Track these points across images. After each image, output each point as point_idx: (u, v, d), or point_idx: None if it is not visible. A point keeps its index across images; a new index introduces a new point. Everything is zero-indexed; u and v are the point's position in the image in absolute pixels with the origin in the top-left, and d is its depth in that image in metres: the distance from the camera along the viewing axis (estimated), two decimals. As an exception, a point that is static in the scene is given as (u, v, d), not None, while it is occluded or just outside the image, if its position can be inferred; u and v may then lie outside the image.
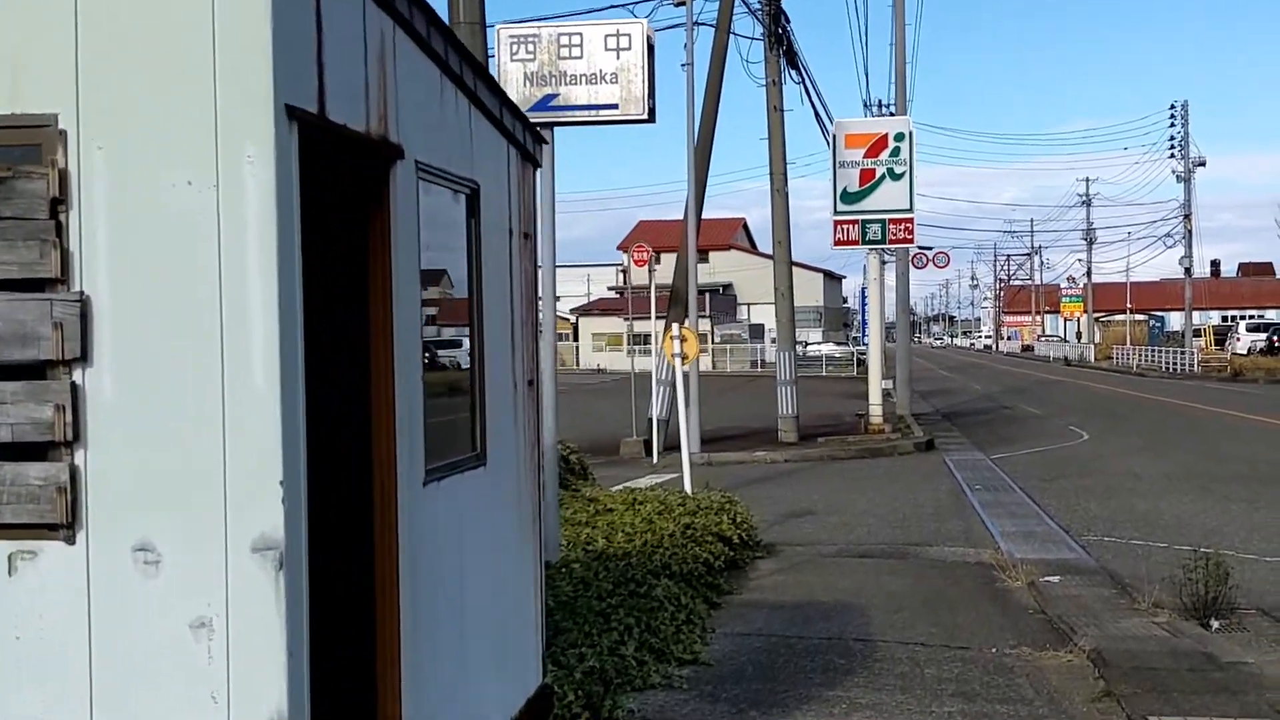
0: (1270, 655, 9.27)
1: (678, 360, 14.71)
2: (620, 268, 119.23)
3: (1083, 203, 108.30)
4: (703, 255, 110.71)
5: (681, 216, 28.39)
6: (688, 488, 14.71)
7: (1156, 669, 8.37)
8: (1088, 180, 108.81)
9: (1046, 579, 12.05)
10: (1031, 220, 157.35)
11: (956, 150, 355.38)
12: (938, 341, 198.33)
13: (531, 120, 7.13)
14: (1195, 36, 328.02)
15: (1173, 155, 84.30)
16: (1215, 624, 10.13)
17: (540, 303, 7.39)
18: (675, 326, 14.66)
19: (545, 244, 25.48)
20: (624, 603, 8.57)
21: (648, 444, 25.92)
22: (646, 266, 26.25)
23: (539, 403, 6.82)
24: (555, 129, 12.10)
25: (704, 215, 28.60)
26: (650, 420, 26.92)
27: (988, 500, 18.32)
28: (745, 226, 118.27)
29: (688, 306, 26.50)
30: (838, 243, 30.59)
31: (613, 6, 26.62)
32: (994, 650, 9.10)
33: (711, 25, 28.09)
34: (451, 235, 5.69)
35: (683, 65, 25.88)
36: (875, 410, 30.59)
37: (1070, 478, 21.03)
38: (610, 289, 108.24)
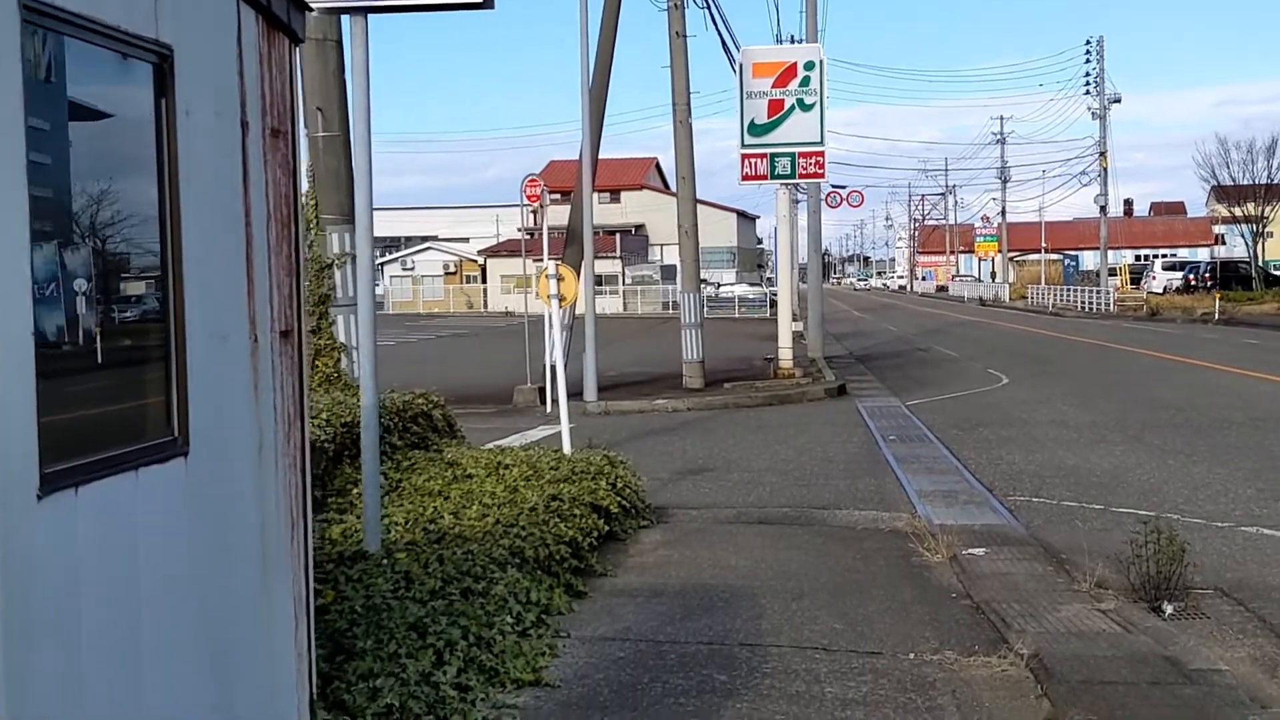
0: (1239, 651, 7.75)
1: (553, 302, 12.97)
2: (530, 208, 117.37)
3: (997, 141, 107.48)
4: (614, 195, 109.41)
5: (599, 156, 26.76)
6: (566, 447, 13.01)
7: (1112, 683, 6.75)
8: (1002, 119, 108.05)
9: (970, 551, 10.45)
10: (946, 159, 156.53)
11: (870, 88, 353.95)
12: (860, 282, 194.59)
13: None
14: None
15: (1088, 92, 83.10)
16: (1169, 608, 8.61)
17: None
18: (551, 264, 12.93)
19: (586, 191, 23.79)
20: (451, 606, 6.86)
21: (542, 392, 24.22)
22: (538, 203, 24.41)
23: (300, 360, 5.06)
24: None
25: (615, 155, 27.40)
26: (545, 367, 25.20)
27: (903, 454, 16.75)
28: (658, 166, 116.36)
29: (583, 246, 24.79)
30: (745, 177, 28.87)
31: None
32: (911, 656, 7.45)
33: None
34: (128, 128, 3.92)
35: (576, -15, 24.05)
36: (785, 354, 29.04)
37: (991, 426, 19.53)
38: (519, 230, 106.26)
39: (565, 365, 25.49)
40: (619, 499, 11.12)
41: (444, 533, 8.68)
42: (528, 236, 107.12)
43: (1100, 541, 10.81)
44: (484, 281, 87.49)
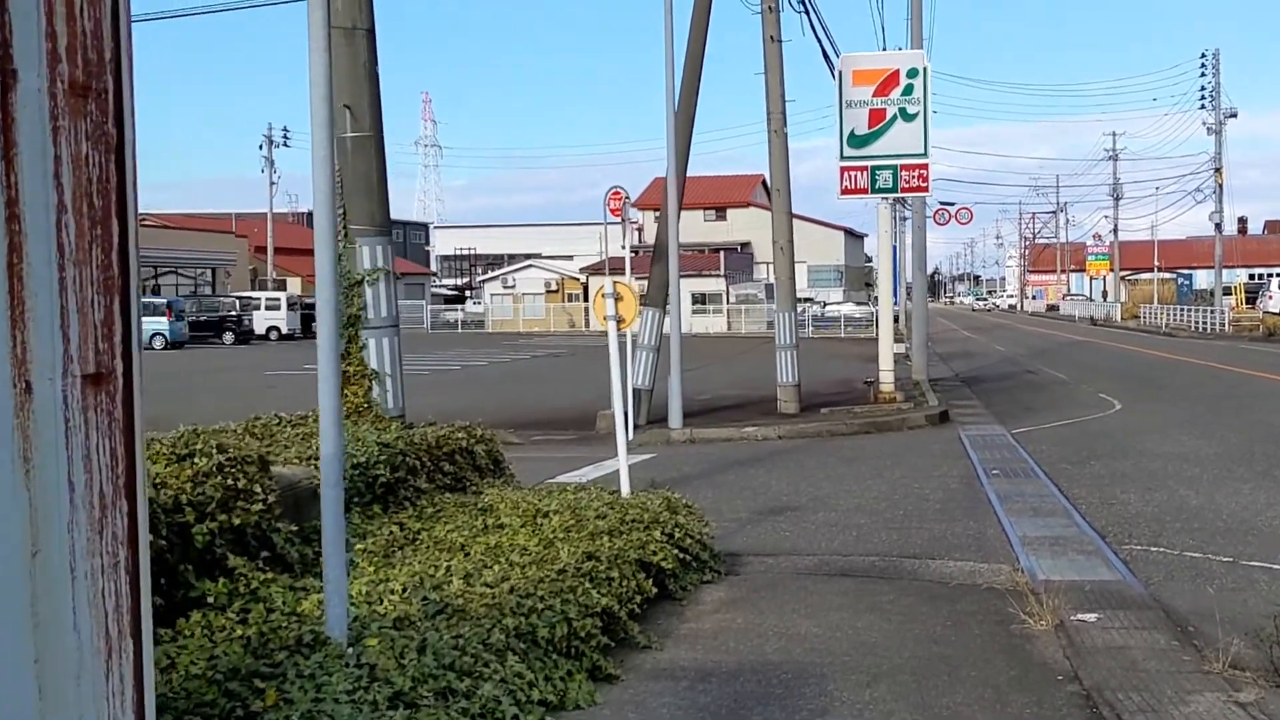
0: None
1: (611, 324, 11.48)
2: (636, 225, 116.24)
3: (1109, 158, 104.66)
4: (720, 212, 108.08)
5: (696, 172, 25.36)
6: (624, 488, 11.50)
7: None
8: (1114, 134, 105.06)
9: (1080, 617, 8.80)
10: (1057, 177, 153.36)
11: (980, 104, 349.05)
12: (979, 302, 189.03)
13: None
14: None
15: (1203, 106, 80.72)
16: (1327, 703, 6.95)
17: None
18: (608, 282, 11.44)
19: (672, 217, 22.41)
20: (416, 716, 5.39)
21: (627, 417, 22.71)
22: (620, 216, 22.97)
23: (127, 415, 3.58)
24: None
25: (720, 172, 25.88)
26: (630, 391, 23.76)
27: (1006, 491, 15.06)
28: (764, 183, 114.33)
29: (669, 264, 23.30)
30: (845, 191, 27.24)
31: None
32: (1008, 780, 5.88)
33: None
34: None
35: (662, -15, 22.57)
36: (886, 377, 27.34)
37: (1103, 459, 17.75)
38: (622, 247, 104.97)
39: (651, 389, 24.27)
40: (676, 551, 9.60)
41: (447, 604, 7.19)
42: (633, 254, 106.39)
43: (1232, 605, 9.15)
44: (585, 300, 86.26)
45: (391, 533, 9.19)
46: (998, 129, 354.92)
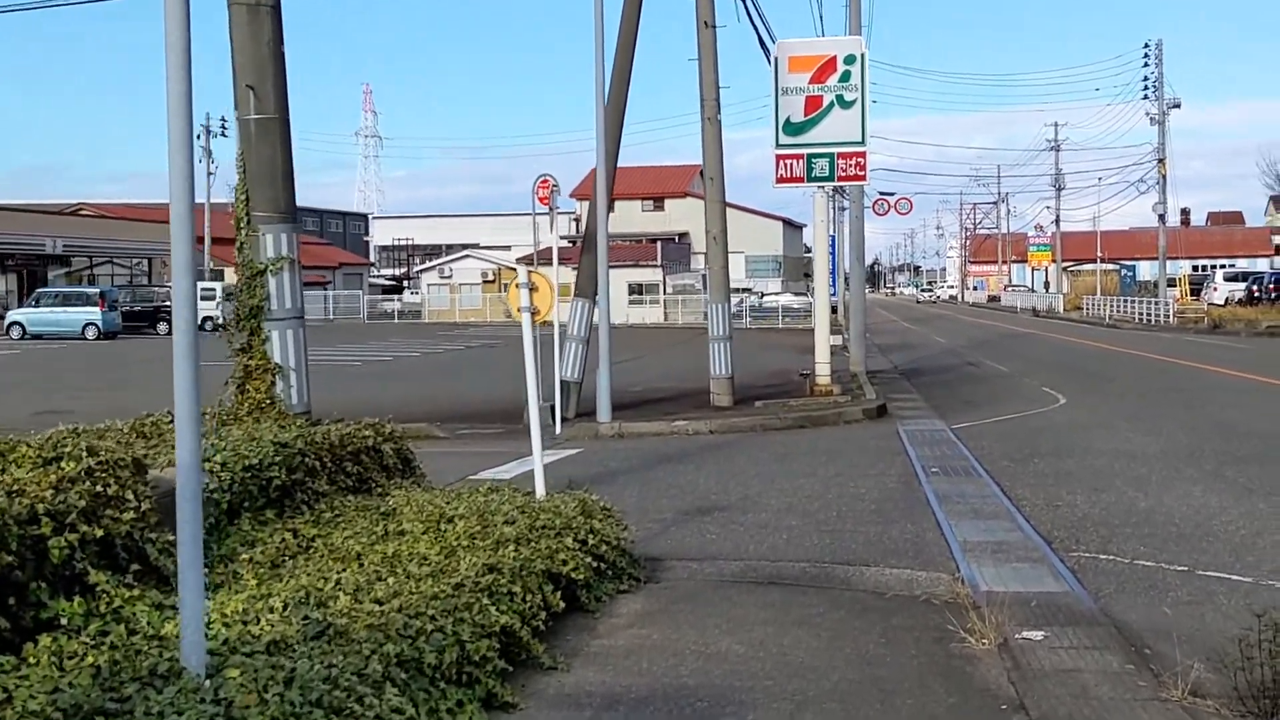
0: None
1: (525, 316, 10.84)
2: (573, 216, 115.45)
3: (1052, 148, 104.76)
4: (658, 203, 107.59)
5: (635, 163, 24.78)
6: (539, 490, 10.85)
7: None
8: (1056, 125, 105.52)
9: (1026, 635, 8.23)
10: (998, 167, 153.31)
11: (920, 94, 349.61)
12: (923, 293, 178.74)
13: None
14: None
15: (1146, 97, 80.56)
16: (1294, 731, 6.42)
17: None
18: (522, 270, 10.80)
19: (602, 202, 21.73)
20: (270, 765, 4.78)
21: (554, 410, 22.14)
22: (548, 205, 22.32)
23: None
24: None
25: (658, 162, 25.30)
26: (561, 383, 23.17)
27: (946, 490, 14.52)
28: (702, 173, 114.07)
29: (598, 254, 22.69)
30: (780, 179, 26.69)
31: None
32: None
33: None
34: None
35: (592, -32, 21.95)
36: (822, 369, 26.81)
37: (1047, 457, 17.26)
38: (564, 238, 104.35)
39: (580, 381, 23.64)
40: (590, 559, 8.99)
41: (329, 624, 6.54)
42: (570, 244, 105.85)
43: (1189, 621, 8.65)
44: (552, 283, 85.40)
45: (284, 540, 8.54)
46: (938, 120, 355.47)
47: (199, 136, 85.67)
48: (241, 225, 10.98)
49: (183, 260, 5.41)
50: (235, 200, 11.03)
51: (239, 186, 11.03)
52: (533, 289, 10.83)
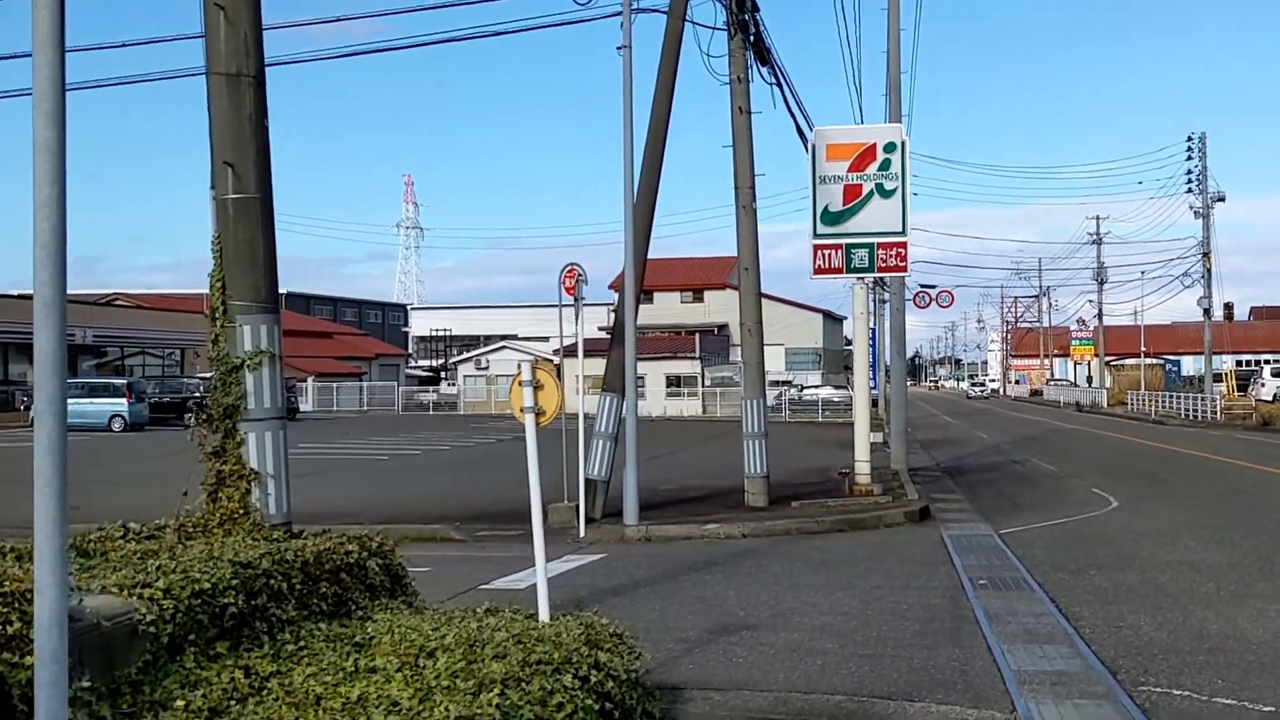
0: None
1: (528, 419, 9.70)
2: (611, 307, 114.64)
3: (1093, 241, 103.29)
4: (697, 294, 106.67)
5: (674, 254, 23.76)
6: (543, 612, 9.66)
7: None
8: (1098, 219, 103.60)
9: (1098, 799, 7.00)
10: (1039, 260, 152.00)
11: (961, 187, 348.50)
12: (977, 389, 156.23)
13: None
14: (1211, 71, 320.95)
15: (1190, 190, 79.38)
16: None
17: None
18: (525, 367, 9.68)
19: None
20: None
21: (577, 511, 20.98)
22: (574, 295, 21.22)
23: None
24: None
25: (697, 254, 24.33)
26: (586, 481, 21.96)
27: (996, 608, 13.24)
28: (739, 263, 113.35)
29: (625, 348, 21.60)
30: (818, 270, 25.60)
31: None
32: None
33: (663, 11, 23.24)
34: None
35: (619, 48, 20.97)
36: (862, 469, 25.54)
37: (1104, 569, 15.92)
38: (601, 329, 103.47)
39: (608, 480, 22.46)
40: (592, 700, 7.78)
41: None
42: (609, 336, 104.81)
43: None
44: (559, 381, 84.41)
45: (233, 680, 7.35)
46: (979, 213, 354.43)
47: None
48: (217, 315, 9.89)
49: (49, 356, 4.28)
50: (210, 288, 9.95)
51: (214, 273, 9.93)
52: (538, 387, 9.71)
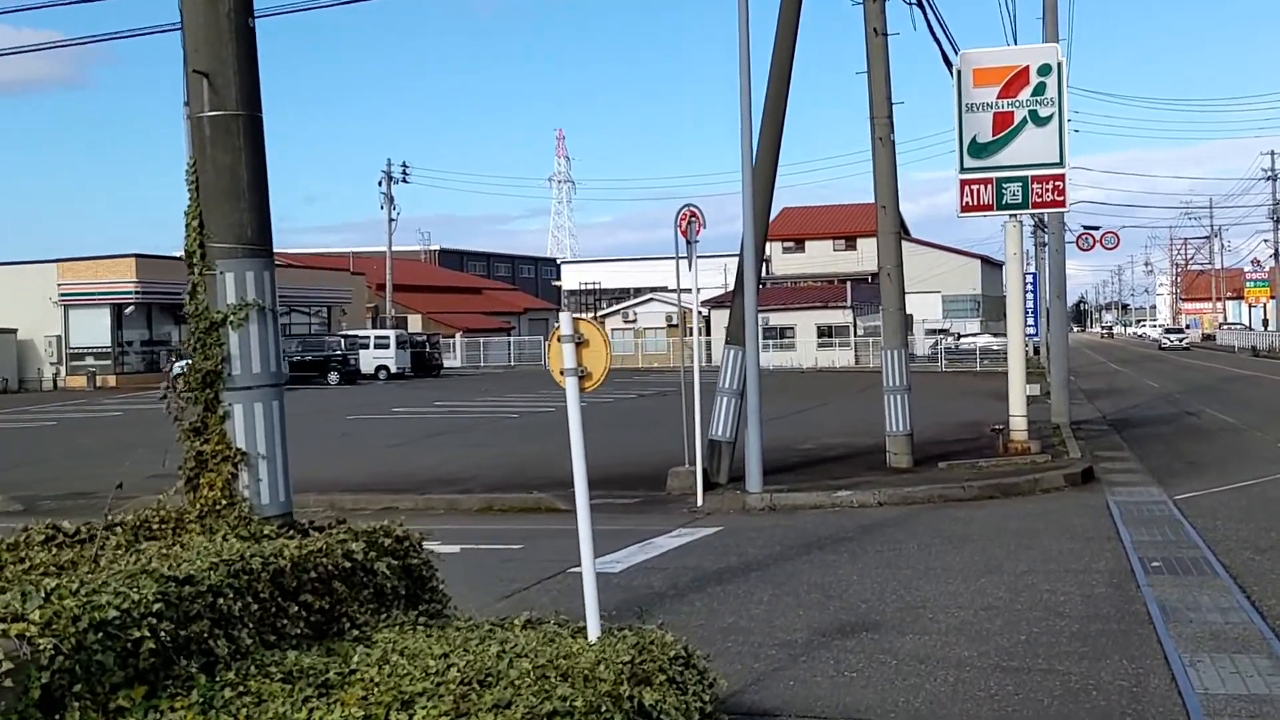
0: None
1: (569, 382, 7.68)
2: (763, 257, 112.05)
3: (1268, 177, 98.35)
4: (850, 242, 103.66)
5: (825, 201, 21.62)
6: (592, 628, 7.61)
7: None
8: (1274, 153, 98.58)
9: None
10: (1210, 199, 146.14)
11: (1125, 124, 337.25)
12: (1171, 336, 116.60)
13: None
14: None
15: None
16: None
17: None
18: (565, 320, 7.66)
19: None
20: None
21: (705, 474, 18.96)
22: (687, 238, 19.05)
23: None
24: None
25: (850, 201, 22.22)
26: (709, 443, 19.93)
27: (1174, 601, 10.92)
28: (876, 200, 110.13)
29: (745, 299, 19.47)
30: (965, 208, 23.21)
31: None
32: None
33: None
34: None
35: (735, -40, 18.72)
36: (1018, 424, 23.12)
37: (1303, 545, 13.53)
38: (691, 274, 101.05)
39: (734, 441, 20.39)
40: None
41: None
42: (760, 285, 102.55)
43: None
44: (708, 333, 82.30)
45: (132, 746, 5.47)
46: (1145, 154, 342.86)
47: (380, 183, 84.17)
48: (194, 261, 7.98)
49: None
50: (186, 228, 8.04)
51: (190, 209, 8.02)
52: (580, 343, 7.68)
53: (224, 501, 8.00)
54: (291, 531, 7.97)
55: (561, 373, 7.77)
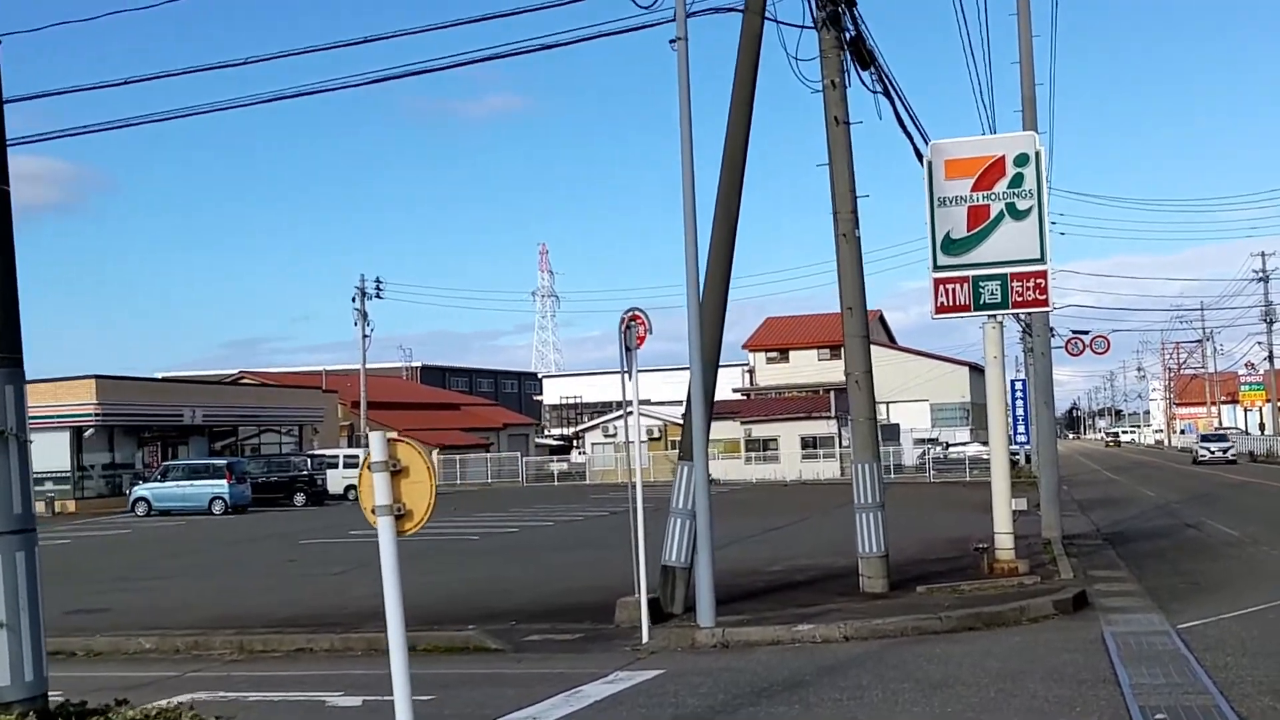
0: None
1: (382, 522, 5.89)
2: (746, 367, 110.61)
3: (1259, 278, 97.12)
4: (834, 350, 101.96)
5: (808, 311, 20.07)
6: None
7: None
8: (1264, 255, 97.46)
9: None
10: (1201, 302, 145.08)
11: (1114, 228, 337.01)
12: (1211, 447, 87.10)
13: None
14: None
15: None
16: None
17: None
18: (376, 441, 5.88)
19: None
20: None
21: (654, 604, 17.14)
22: (625, 344, 17.25)
23: None
24: None
25: (834, 310, 20.76)
26: (662, 569, 18.15)
27: (1184, 769, 9.08)
28: (882, 319, 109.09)
29: (697, 411, 17.70)
30: (940, 309, 21.53)
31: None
32: None
33: (738, 10, 19.36)
34: None
35: (672, 41, 17.13)
36: (1003, 541, 21.29)
37: (1332, 692, 11.63)
38: (735, 390, 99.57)
39: (689, 566, 18.50)
40: None
41: None
42: (743, 397, 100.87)
43: None
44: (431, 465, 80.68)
45: None
46: (1134, 258, 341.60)
47: (354, 299, 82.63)
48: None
49: None
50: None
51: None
52: (396, 472, 5.91)
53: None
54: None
55: (373, 511, 5.97)
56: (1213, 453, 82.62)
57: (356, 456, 68.44)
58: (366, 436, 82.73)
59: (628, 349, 17.01)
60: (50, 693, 6.47)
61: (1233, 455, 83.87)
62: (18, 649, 6.34)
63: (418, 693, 13.52)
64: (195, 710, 6.36)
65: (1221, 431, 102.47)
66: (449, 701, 12.97)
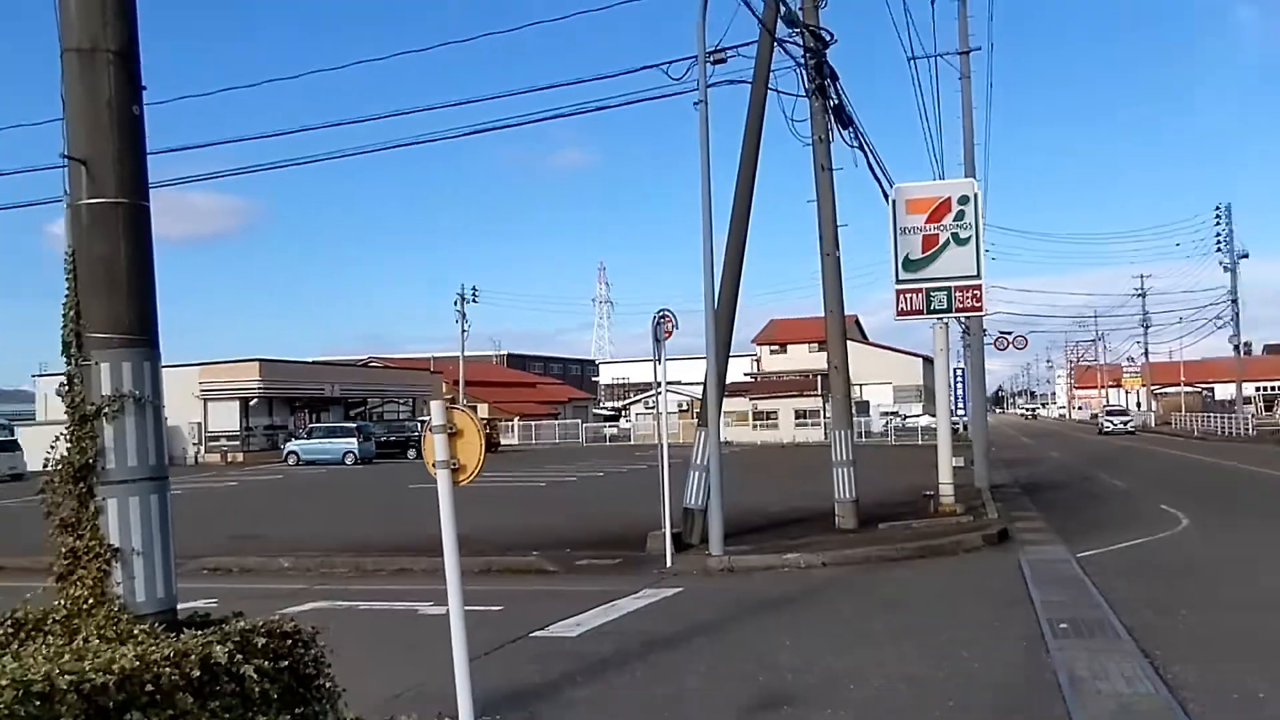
0: None
1: (441, 474, 5.49)
2: (754, 357, 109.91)
3: (1139, 294, 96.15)
4: (823, 345, 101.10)
5: (802, 314, 19.65)
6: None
7: None
8: (1142, 276, 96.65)
9: None
10: (1095, 311, 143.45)
11: (1032, 255, 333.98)
12: (1115, 419, 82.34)
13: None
14: (1232, 152, 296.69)
15: (1219, 249, 72.97)
16: None
17: None
18: (436, 408, 5.49)
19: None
20: None
21: (677, 537, 16.68)
22: (655, 337, 16.82)
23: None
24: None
25: (818, 314, 20.46)
26: (684, 510, 17.73)
27: (1082, 669, 8.60)
28: (857, 321, 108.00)
29: (708, 379, 17.20)
30: (901, 313, 21.09)
31: (645, 68, 17.74)
32: None
33: (747, 82, 18.89)
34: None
35: (696, 103, 16.64)
36: (946, 490, 20.93)
37: (1197, 608, 11.12)
38: (745, 374, 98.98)
39: (704, 508, 18.16)
40: None
41: None
42: (752, 380, 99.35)
43: None
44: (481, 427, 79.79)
45: None
46: (1047, 279, 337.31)
47: (455, 302, 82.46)
48: (71, 351, 5.88)
49: None
50: (63, 318, 5.96)
51: (67, 298, 5.93)
52: (453, 434, 5.51)
53: (92, 600, 5.78)
54: (169, 630, 5.73)
55: (434, 465, 5.55)
56: (1115, 425, 79.34)
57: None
58: (464, 407, 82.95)
59: (658, 340, 16.62)
60: (206, 600, 6.04)
61: (1131, 427, 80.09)
62: (152, 572, 5.98)
63: (490, 604, 13.23)
64: (295, 621, 5.93)
65: (1123, 407, 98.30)
66: (513, 612, 12.57)
